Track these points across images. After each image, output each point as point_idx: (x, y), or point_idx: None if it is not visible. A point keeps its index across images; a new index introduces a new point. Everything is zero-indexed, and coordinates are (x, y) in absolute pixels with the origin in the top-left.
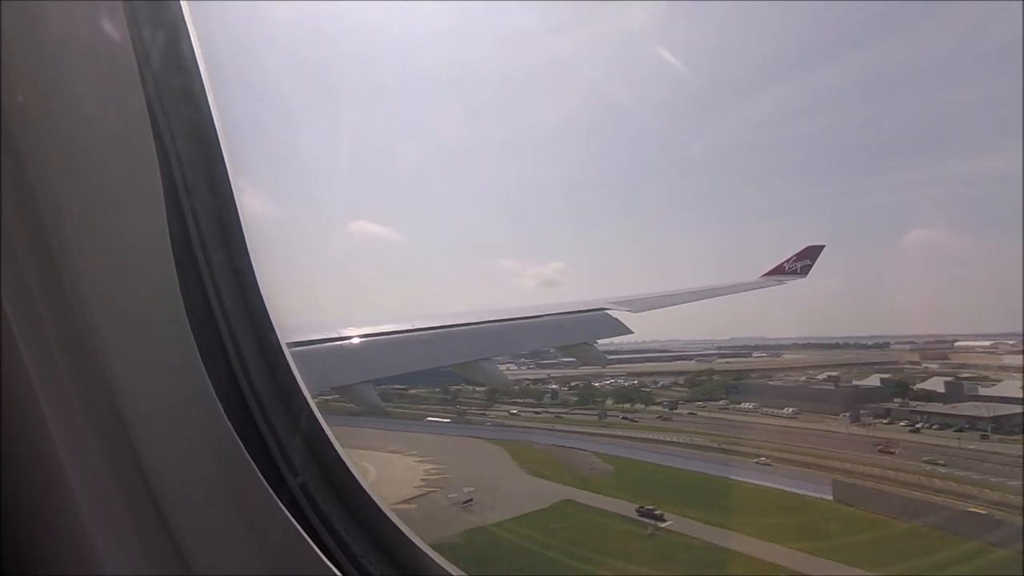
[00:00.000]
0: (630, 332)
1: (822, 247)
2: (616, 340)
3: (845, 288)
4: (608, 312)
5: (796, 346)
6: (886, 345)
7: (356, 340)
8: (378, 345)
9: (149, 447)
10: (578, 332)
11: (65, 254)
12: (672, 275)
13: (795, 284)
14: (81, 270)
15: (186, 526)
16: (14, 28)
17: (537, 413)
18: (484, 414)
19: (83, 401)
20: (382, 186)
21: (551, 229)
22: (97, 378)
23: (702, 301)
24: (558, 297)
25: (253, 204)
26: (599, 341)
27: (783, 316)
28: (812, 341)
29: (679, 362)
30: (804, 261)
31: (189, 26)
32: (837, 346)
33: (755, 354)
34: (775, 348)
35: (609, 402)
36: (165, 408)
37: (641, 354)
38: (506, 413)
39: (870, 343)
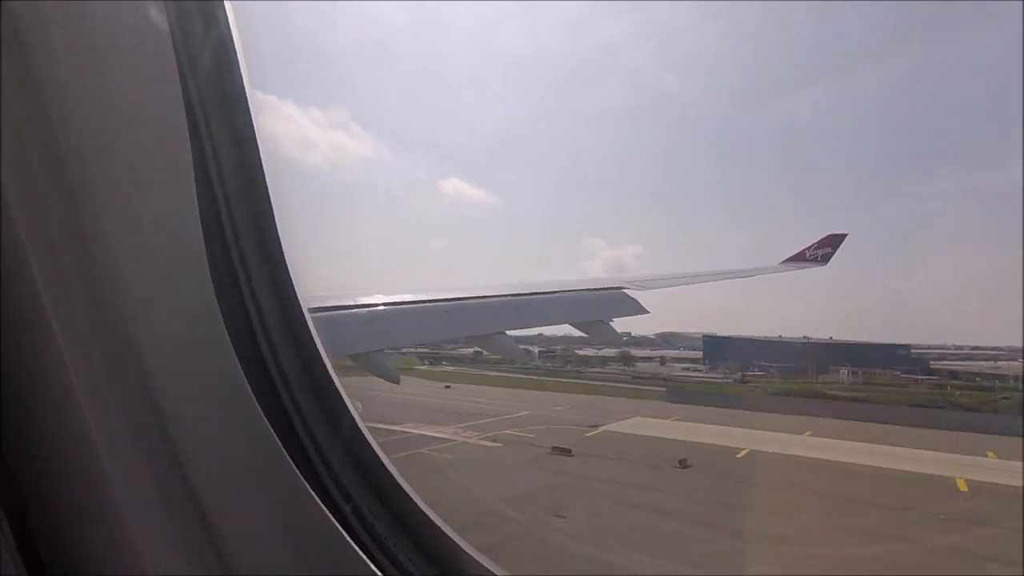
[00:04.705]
0: (646, 312)
1: (844, 235)
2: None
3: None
4: (624, 291)
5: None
6: None
7: (374, 308)
8: (394, 314)
9: (182, 435)
10: (594, 310)
11: (100, 240)
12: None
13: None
14: (114, 253)
15: (218, 512)
16: (57, 22)
17: None
18: None
19: (117, 388)
20: (477, 150)
21: (633, 209)
22: (131, 361)
23: (723, 281)
24: None
25: (360, 148)
26: (614, 320)
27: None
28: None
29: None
30: (825, 249)
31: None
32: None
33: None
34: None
35: None
36: (196, 391)
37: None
38: None
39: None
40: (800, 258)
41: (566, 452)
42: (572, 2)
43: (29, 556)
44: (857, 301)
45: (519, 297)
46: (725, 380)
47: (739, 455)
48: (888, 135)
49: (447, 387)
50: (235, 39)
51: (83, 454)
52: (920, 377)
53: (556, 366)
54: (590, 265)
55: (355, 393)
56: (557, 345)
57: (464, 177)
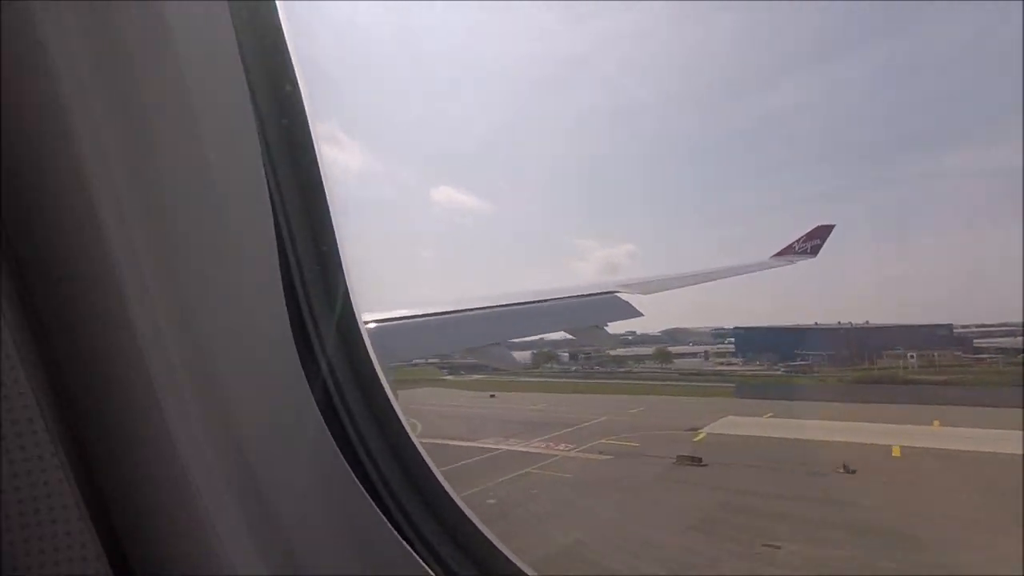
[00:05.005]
0: (640, 315)
1: (832, 226)
2: None
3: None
4: (618, 295)
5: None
6: None
7: (368, 325)
8: (392, 330)
9: (253, 440)
10: (589, 315)
11: (181, 252)
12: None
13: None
14: (195, 269)
15: (288, 521)
16: (140, 30)
17: None
18: None
19: (196, 394)
20: (466, 157)
21: (623, 209)
22: (209, 370)
23: (715, 282)
24: None
25: (350, 160)
26: (609, 324)
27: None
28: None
29: None
30: (814, 241)
31: (283, 24)
32: None
33: None
34: None
35: None
36: (266, 402)
37: None
38: None
39: None
40: (789, 251)
41: (696, 462)
42: (555, 2)
43: (115, 557)
44: (850, 287)
45: (514, 307)
46: (773, 371)
47: (894, 454)
48: (861, 124)
49: (491, 396)
50: (290, 47)
51: (166, 462)
52: (981, 356)
53: (588, 368)
54: (583, 266)
55: (406, 409)
56: (555, 349)
57: (455, 184)
